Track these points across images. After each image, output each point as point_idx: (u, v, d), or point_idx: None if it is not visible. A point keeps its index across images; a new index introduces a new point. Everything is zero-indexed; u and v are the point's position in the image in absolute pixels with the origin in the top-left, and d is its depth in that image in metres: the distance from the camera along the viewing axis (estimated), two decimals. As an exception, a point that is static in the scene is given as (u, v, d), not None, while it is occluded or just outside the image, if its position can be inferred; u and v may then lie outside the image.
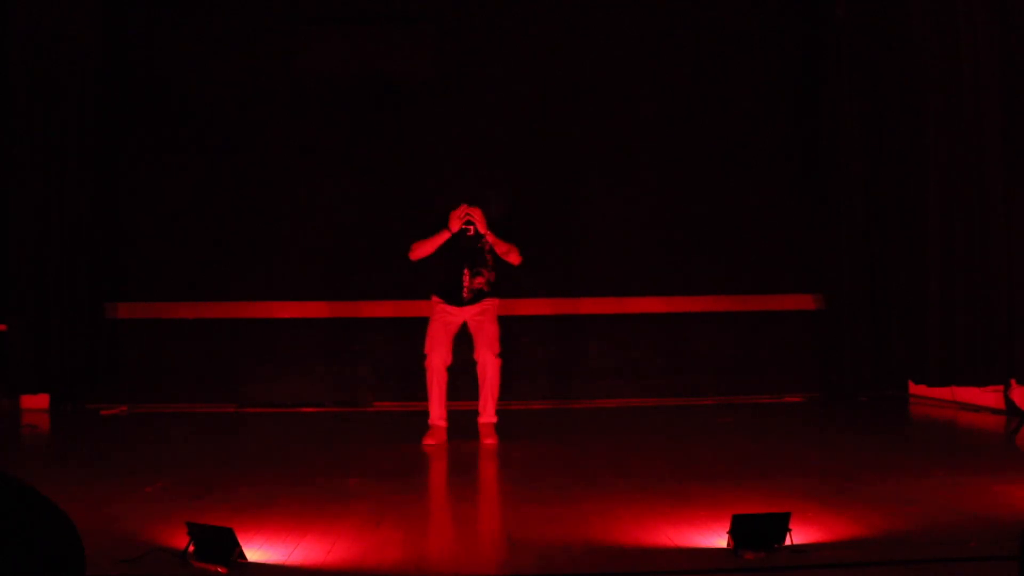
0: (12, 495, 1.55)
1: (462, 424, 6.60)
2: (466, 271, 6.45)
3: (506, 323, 6.75)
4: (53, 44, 8.17)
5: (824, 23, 8.64)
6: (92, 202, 8.32)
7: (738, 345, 8.88)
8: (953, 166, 7.68)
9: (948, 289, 7.70)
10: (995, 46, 7.51)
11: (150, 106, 8.73)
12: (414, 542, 4.01)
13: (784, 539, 3.70)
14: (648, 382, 8.79)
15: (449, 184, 6.87)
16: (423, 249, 6.47)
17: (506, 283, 6.71)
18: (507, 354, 6.63)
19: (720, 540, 3.77)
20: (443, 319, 6.51)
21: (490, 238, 6.40)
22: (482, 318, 6.49)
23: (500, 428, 6.56)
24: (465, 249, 6.44)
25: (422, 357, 6.54)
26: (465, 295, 6.47)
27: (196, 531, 3.63)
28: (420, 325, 6.69)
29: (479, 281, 6.47)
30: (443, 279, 6.51)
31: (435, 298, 6.56)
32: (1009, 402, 7.37)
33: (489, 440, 6.47)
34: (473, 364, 6.58)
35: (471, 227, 6.40)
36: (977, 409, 7.61)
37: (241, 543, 3.61)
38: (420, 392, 6.69)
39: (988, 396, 7.60)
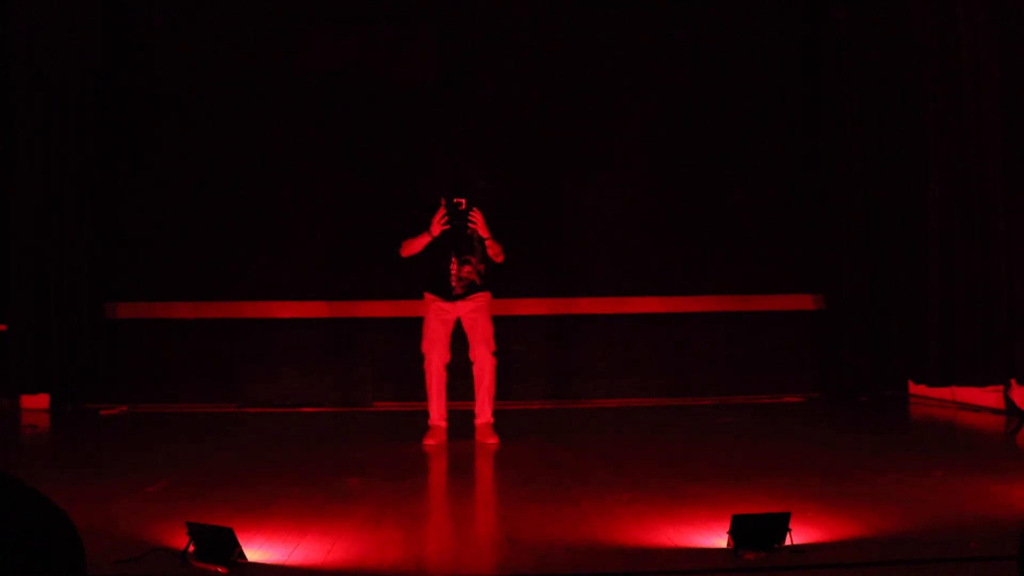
0: (12, 495, 1.55)
1: (462, 424, 6.59)
2: (453, 259, 6.40)
3: (506, 323, 6.76)
4: (53, 44, 8.17)
5: (824, 23, 8.64)
6: (92, 202, 8.32)
7: (738, 345, 8.88)
8: (953, 166, 7.68)
9: (948, 289, 7.70)
10: (995, 46, 7.51)
11: (150, 106, 8.72)
12: (414, 542, 4.01)
13: (784, 539, 3.70)
14: (648, 382, 8.79)
15: (435, 168, 6.83)
16: (410, 248, 6.44)
17: (506, 283, 6.70)
18: (506, 354, 6.63)
19: (720, 540, 3.77)
20: (438, 316, 6.48)
21: (489, 242, 6.37)
22: (476, 316, 6.46)
23: (499, 428, 6.56)
24: (452, 237, 6.35)
25: (421, 357, 6.53)
26: (454, 283, 6.40)
27: (196, 531, 3.63)
28: (420, 325, 6.68)
29: (467, 270, 6.40)
30: (431, 270, 6.45)
31: (428, 296, 6.52)
32: (1009, 402, 7.36)
33: (489, 440, 6.46)
34: (469, 364, 6.56)
35: (463, 202, 6.35)
36: (977, 409, 7.61)
37: (241, 543, 3.61)
38: (420, 392, 6.68)
39: (988, 396, 7.59)
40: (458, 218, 6.31)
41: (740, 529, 3.68)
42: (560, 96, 8.88)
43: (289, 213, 8.77)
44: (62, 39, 8.19)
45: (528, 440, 6.69)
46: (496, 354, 6.50)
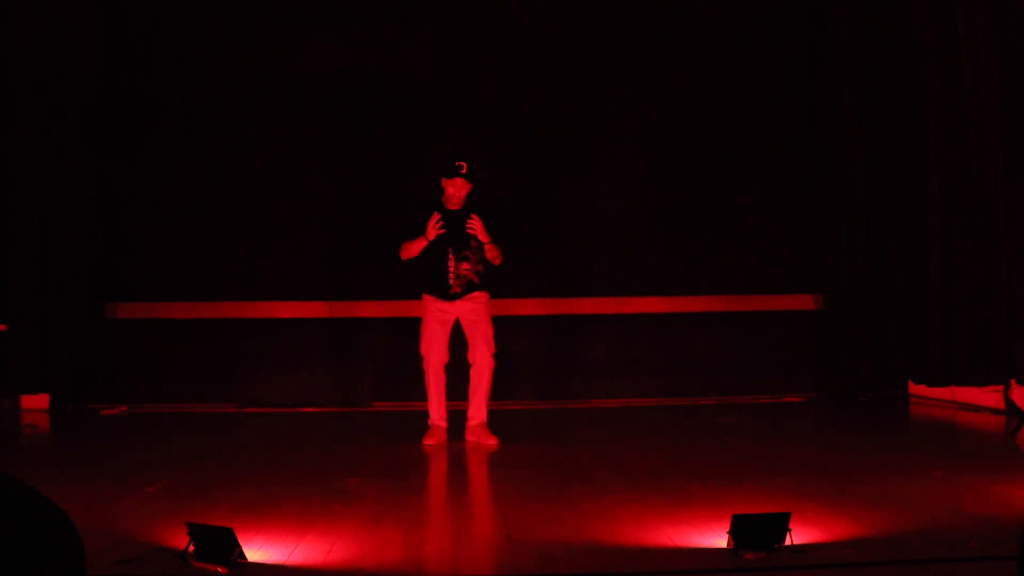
0: (12, 495, 1.55)
1: (462, 424, 6.58)
2: (451, 256, 6.38)
3: (506, 323, 6.75)
4: (53, 44, 8.17)
5: (824, 23, 8.64)
6: (92, 202, 8.32)
7: (738, 345, 8.88)
8: (953, 166, 7.68)
9: (948, 289, 7.70)
10: (995, 46, 7.50)
11: (150, 106, 8.73)
12: (414, 542, 4.01)
13: (784, 539, 3.69)
14: (648, 382, 8.79)
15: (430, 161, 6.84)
16: (408, 251, 6.42)
17: (506, 283, 6.70)
18: (506, 354, 6.63)
19: (720, 540, 3.77)
20: (437, 317, 6.48)
21: (488, 245, 6.37)
22: (475, 316, 6.45)
23: (499, 428, 6.55)
24: (450, 235, 6.33)
25: (420, 358, 6.53)
26: (452, 282, 6.39)
27: (196, 531, 3.62)
28: (420, 325, 6.67)
29: (465, 267, 6.38)
30: (429, 270, 6.43)
31: (426, 297, 6.52)
32: (1009, 402, 7.36)
33: (489, 440, 6.46)
34: (466, 365, 6.55)
35: (464, 165, 6.32)
36: (977, 409, 7.61)
37: (241, 543, 3.61)
38: (420, 392, 6.68)
39: (988, 396, 7.59)
40: (454, 226, 6.29)
41: (740, 529, 3.68)
42: (560, 96, 8.88)
43: (289, 213, 8.77)
44: (62, 39, 8.19)
45: (528, 440, 6.69)
46: (496, 356, 6.50)
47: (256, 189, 8.76)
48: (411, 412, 7.43)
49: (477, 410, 6.52)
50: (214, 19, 8.77)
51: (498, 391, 6.66)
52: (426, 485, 5.64)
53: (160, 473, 5.39)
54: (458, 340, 6.57)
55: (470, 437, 6.52)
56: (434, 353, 6.47)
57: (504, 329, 6.66)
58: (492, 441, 6.45)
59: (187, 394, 8.52)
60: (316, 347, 8.75)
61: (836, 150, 8.56)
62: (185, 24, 8.75)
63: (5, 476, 1.56)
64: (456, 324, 6.51)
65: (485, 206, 6.47)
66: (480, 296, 6.47)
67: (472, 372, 6.51)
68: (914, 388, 8.42)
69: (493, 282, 6.54)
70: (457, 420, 6.59)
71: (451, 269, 6.39)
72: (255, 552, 3.71)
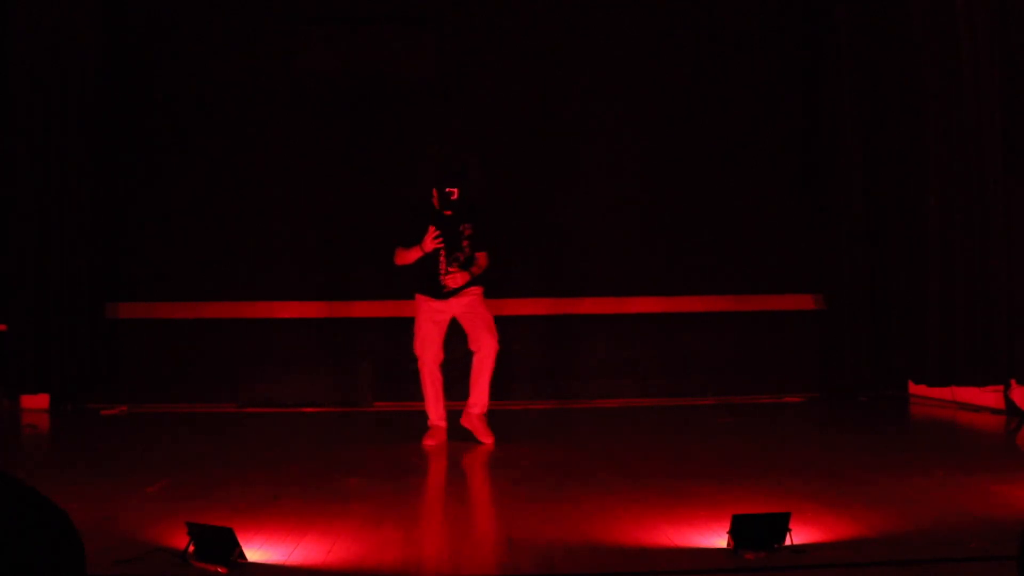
0: (12, 495, 1.55)
1: (460, 424, 6.59)
2: (442, 257, 6.38)
3: (506, 323, 6.75)
4: (53, 44, 8.17)
5: (824, 23, 8.64)
6: (92, 202, 8.32)
7: (738, 345, 8.88)
8: (953, 166, 7.68)
9: (948, 289, 7.70)
10: (995, 46, 7.51)
11: (150, 106, 8.72)
12: (414, 542, 4.01)
13: (784, 539, 3.70)
14: (648, 382, 8.78)
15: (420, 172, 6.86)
16: (403, 259, 6.45)
17: (507, 283, 6.70)
18: (506, 354, 6.62)
19: (720, 540, 3.77)
20: (431, 317, 6.47)
21: (478, 254, 6.41)
22: (472, 309, 6.45)
23: (499, 428, 6.56)
24: (442, 236, 6.34)
25: (414, 359, 6.53)
26: (443, 280, 6.40)
27: (196, 531, 3.63)
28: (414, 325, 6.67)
29: (455, 268, 6.39)
30: (420, 270, 6.44)
31: (420, 297, 6.52)
32: (1009, 402, 7.37)
33: (487, 439, 6.45)
34: (465, 363, 6.54)
35: (455, 191, 6.35)
36: (977, 409, 7.61)
37: (241, 543, 3.61)
38: (419, 392, 6.67)
39: (988, 396, 7.59)
40: (446, 226, 6.32)
41: (740, 529, 3.68)
42: (560, 96, 8.88)
43: (289, 213, 8.77)
44: (62, 39, 8.18)
45: (528, 440, 6.68)
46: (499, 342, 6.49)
47: (256, 189, 8.76)
48: (411, 412, 7.43)
49: (479, 398, 6.49)
50: (214, 19, 8.77)
51: (498, 391, 6.65)
52: (426, 485, 5.65)
53: (160, 473, 5.39)
54: (453, 338, 6.56)
55: (466, 423, 6.50)
56: (429, 353, 6.46)
57: (504, 329, 6.65)
58: (489, 440, 6.44)
59: (187, 394, 8.51)
60: (316, 347, 8.75)
61: (836, 150, 8.56)
62: (185, 24, 8.75)
63: (5, 476, 1.56)
64: (452, 323, 6.52)
65: (478, 208, 6.49)
66: (474, 290, 6.49)
67: (476, 359, 6.47)
68: (914, 388, 8.42)
69: (485, 280, 6.56)
70: (456, 419, 6.58)
71: (442, 271, 6.41)
72: (255, 552, 3.71)
